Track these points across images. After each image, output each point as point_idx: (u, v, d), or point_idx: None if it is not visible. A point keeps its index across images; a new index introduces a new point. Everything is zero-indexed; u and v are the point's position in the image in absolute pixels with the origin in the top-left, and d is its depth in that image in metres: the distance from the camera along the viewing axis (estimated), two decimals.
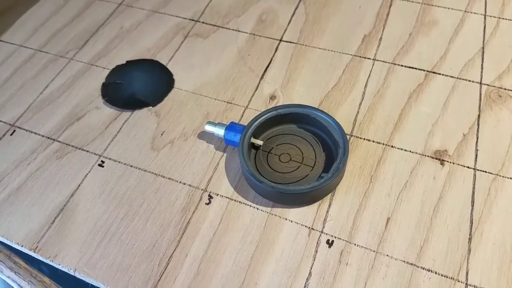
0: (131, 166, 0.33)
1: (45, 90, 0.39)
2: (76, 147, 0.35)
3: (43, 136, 0.36)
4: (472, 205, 0.29)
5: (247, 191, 0.31)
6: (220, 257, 0.28)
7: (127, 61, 0.41)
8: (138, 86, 0.38)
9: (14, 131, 0.36)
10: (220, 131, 0.32)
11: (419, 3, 0.43)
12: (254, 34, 0.42)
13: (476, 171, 0.31)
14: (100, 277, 0.28)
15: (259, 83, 0.38)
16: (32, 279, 0.31)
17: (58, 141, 0.35)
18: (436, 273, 0.27)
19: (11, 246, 0.30)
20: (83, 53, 0.42)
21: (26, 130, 0.36)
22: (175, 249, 0.28)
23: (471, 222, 0.29)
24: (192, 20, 0.44)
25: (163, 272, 0.28)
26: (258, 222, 0.29)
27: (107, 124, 0.36)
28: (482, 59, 0.38)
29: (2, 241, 0.30)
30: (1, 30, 0.45)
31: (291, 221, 0.29)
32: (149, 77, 0.39)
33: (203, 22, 0.43)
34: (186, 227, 0.29)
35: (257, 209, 0.30)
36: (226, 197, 0.31)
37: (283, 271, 0.27)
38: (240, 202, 0.31)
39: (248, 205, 0.30)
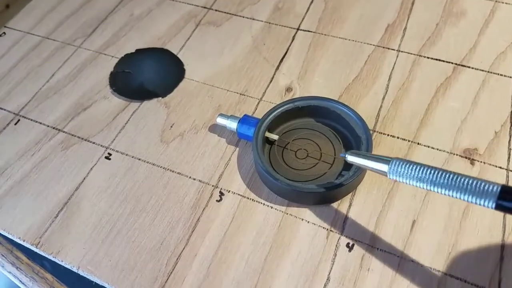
0: (139, 159, 0.31)
1: (51, 79, 0.38)
2: (82, 138, 0.33)
3: (48, 126, 0.34)
4: None
5: (261, 189, 0.29)
6: (232, 258, 0.26)
7: (136, 50, 0.39)
8: (147, 75, 0.37)
9: (19, 120, 0.35)
10: (233, 124, 0.30)
11: None
12: (269, 23, 0.40)
13: (509, 172, 0.29)
14: (104, 276, 0.26)
15: (274, 74, 0.36)
16: (34, 275, 0.30)
17: (64, 132, 0.34)
18: (465, 281, 0.25)
19: (13, 240, 0.29)
20: (91, 41, 0.41)
21: (31, 120, 0.35)
22: (183, 248, 0.27)
23: (504, 227, 0.26)
24: (205, 7, 0.42)
25: (171, 273, 0.26)
26: (272, 222, 0.28)
27: (115, 115, 0.34)
28: None
29: (4, 234, 0.29)
30: (8, 17, 0.44)
31: (308, 222, 0.27)
32: (159, 66, 0.37)
33: (216, 10, 0.41)
34: (196, 225, 0.28)
35: (271, 207, 0.28)
36: (238, 194, 0.29)
37: (299, 275, 0.25)
38: (253, 199, 0.29)
39: (261, 203, 0.28)
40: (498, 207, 0.19)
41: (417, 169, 0.21)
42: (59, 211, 0.29)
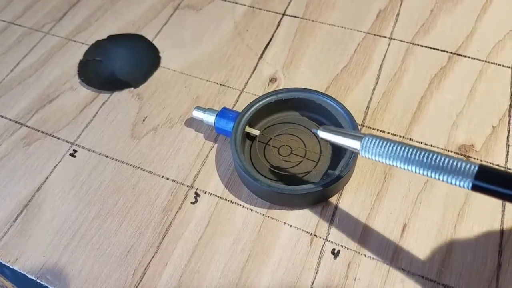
0: (107, 156, 0.29)
1: (16, 68, 0.35)
2: (46, 134, 0.30)
3: (10, 120, 0.32)
4: (503, 211, 0.25)
5: (240, 189, 0.27)
6: (206, 268, 0.24)
7: (108, 36, 0.36)
8: (119, 64, 0.34)
9: None
10: (210, 118, 0.28)
11: None
12: (253, 7, 0.37)
13: (508, 170, 0.27)
14: (65, 287, 0.24)
15: (257, 63, 0.33)
16: None
17: (27, 126, 0.31)
18: None
19: None
20: (61, 26, 0.38)
21: None
22: (153, 256, 0.24)
23: (502, 232, 0.24)
24: None
25: (139, 284, 0.24)
26: (251, 226, 0.25)
27: (82, 107, 0.32)
28: None
29: None
30: None
31: (291, 226, 0.25)
32: (132, 54, 0.35)
33: None
34: (167, 230, 0.25)
35: (251, 210, 0.26)
36: (215, 196, 0.27)
37: (280, 286, 0.23)
38: (231, 201, 0.26)
39: (240, 205, 0.26)
40: (475, 188, 0.18)
41: (391, 146, 0.20)
42: (18, 214, 0.27)
